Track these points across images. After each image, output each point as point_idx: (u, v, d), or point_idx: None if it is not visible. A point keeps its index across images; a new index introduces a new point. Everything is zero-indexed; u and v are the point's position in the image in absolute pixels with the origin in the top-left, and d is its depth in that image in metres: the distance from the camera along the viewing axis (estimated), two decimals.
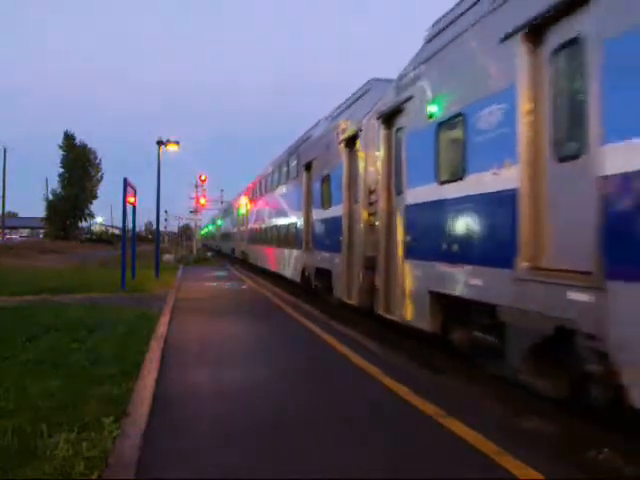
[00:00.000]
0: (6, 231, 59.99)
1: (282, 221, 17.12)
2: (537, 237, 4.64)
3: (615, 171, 3.68)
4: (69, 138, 63.73)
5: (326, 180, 11.35)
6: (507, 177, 4.90)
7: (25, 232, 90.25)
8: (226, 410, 4.55)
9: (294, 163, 15.45)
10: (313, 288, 12.43)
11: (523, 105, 4.75)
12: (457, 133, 5.85)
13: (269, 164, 21.69)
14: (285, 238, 16.32)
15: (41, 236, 75.63)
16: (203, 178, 39.61)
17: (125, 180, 15.03)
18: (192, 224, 60.17)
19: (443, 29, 6.34)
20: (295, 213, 14.92)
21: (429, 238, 6.44)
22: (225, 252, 44.38)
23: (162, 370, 5.76)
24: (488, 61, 5.33)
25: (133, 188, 15.85)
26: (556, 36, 4.51)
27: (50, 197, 63.30)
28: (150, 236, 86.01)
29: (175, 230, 75.54)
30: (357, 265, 9.00)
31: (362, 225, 8.86)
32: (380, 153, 8.14)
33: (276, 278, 18.07)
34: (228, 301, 12.75)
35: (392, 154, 7.85)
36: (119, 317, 9.02)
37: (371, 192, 8.62)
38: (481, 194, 5.34)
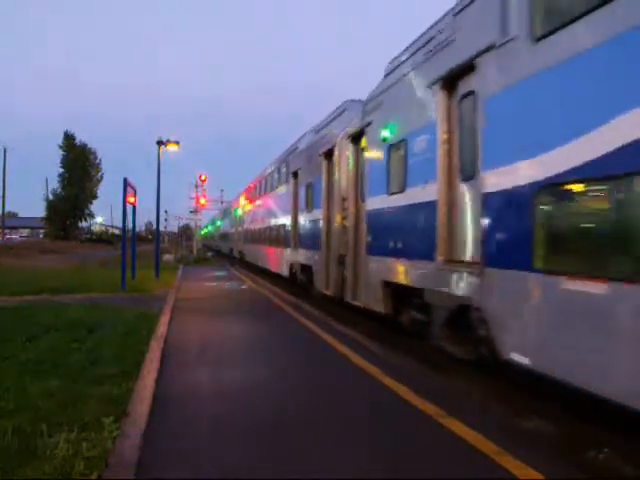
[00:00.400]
0: (6, 231, 59.94)
1: (273, 222, 18.78)
2: (450, 237, 6.15)
3: (487, 190, 5.19)
4: (69, 138, 63.61)
5: (309, 187, 13.09)
6: (430, 191, 6.41)
7: (25, 232, 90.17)
8: (226, 410, 4.55)
9: (284, 170, 16.95)
10: (299, 282, 14.17)
11: (441, 137, 6.23)
12: (401, 155, 7.34)
13: (263, 170, 22.78)
14: (276, 238, 17.90)
15: (41, 236, 75.57)
16: (203, 178, 39.55)
17: (125, 180, 15.02)
18: (192, 224, 60.16)
19: (395, 68, 7.75)
20: (284, 216, 16.47)
21: (382, 238, 8.05)
22: (224, 252, 44.58)
23: (162, 370, 5.76)
24: (421, 100, 6.79)
25: (133, 188, 15.84)
26: (461, 87, 5.99)
27: (50, 197, 63.18)
28: (150, 236, 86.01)
29: (175, 230, 75.51)
30: (333, 261, 10.70)
31: (337, 227, 10.58)
32: (350, 166, 9.83)
33: (275, 278, 18.17)
34: (228, 301, 12.75)
35: (358, 168, 9.52)
36: (119, 317, 9.02)
37: (344, 199, 10.21)
38: (414, 204, 6.90)
